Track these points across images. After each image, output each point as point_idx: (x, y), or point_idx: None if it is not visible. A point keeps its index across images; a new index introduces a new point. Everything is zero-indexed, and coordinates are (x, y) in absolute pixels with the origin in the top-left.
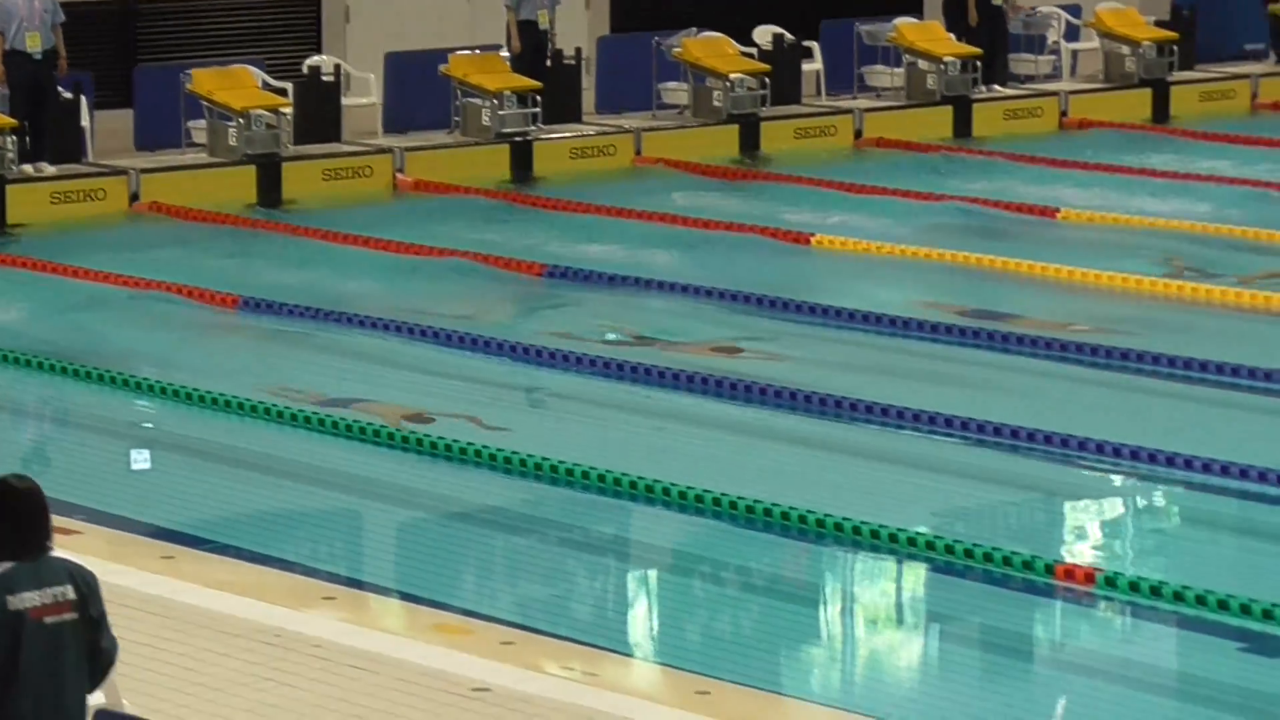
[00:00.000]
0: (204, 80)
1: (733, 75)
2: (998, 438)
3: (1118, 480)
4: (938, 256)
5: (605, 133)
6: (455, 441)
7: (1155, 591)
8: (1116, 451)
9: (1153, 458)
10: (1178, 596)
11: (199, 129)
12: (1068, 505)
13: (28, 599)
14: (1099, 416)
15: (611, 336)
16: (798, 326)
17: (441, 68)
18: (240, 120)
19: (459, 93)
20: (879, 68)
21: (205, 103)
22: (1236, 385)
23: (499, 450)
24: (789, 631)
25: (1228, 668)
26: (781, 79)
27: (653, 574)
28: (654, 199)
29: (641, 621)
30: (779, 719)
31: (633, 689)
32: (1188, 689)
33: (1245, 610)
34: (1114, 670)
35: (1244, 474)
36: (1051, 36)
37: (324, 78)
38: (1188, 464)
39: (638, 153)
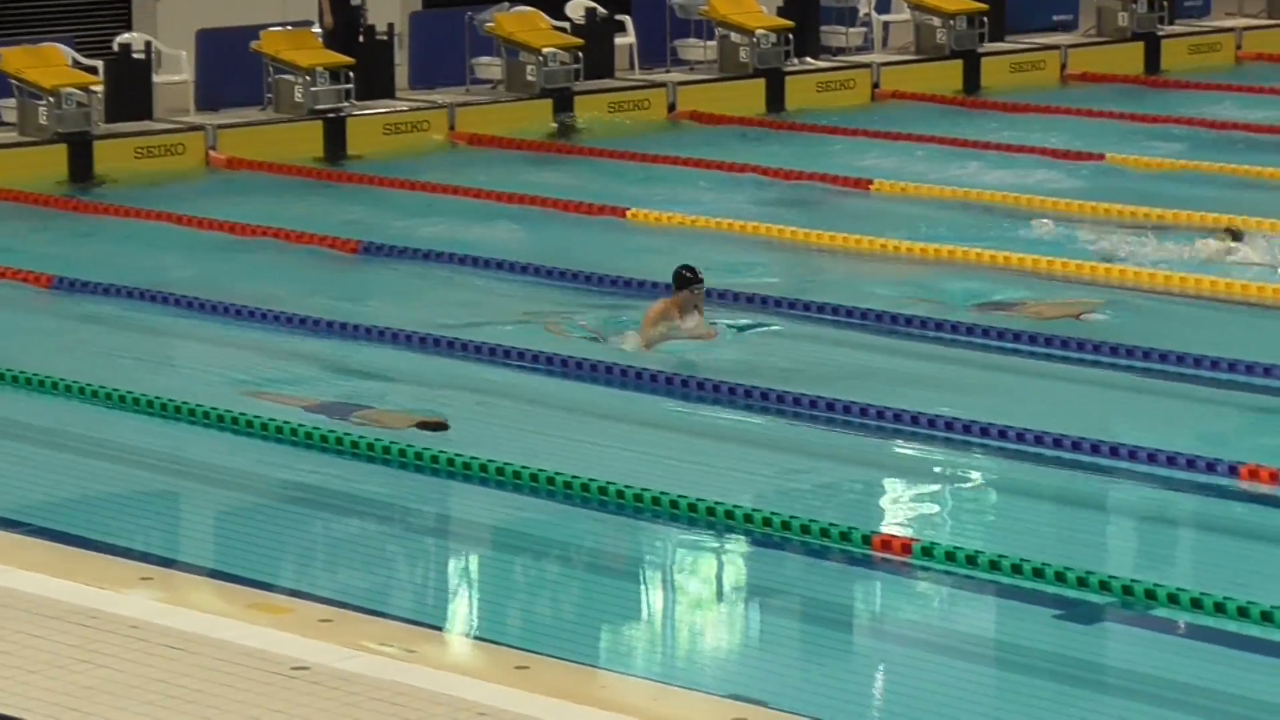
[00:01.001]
0: (13, 59)
1: (546, 49)
2: (813, 410)
3: (933, 451)
4: (753, 230)
5: (419, 108)
6: (272, 420)
7: (971, 561)
8: (931, 423)
9: (967, 428)
10: (994, 565)
11: (9, 108)
12: (884, 478)
13: None
14: (912, 389)
15: (427, 312)
16: (614, 299)
17: (253, 44)
18: (50, 99)
19: (271, 69)
20: (692, 41)
21: (14, 81)
22: (1050, 355)
23: (315, 429)
24: (608, 607)
25: (1044, 635)
26: (594, 53)
27: (472, 551)
28: (468, 174)
29: (461, 598)
30: (597, 693)
31: (452, 665)
32: (1005, 656)
33: (1060, 578)
34: (932, 639)
35: (1057, 443)
36: (863, 9)
37: (134, 55)
38: (1001, 434)
39: (451, 128)
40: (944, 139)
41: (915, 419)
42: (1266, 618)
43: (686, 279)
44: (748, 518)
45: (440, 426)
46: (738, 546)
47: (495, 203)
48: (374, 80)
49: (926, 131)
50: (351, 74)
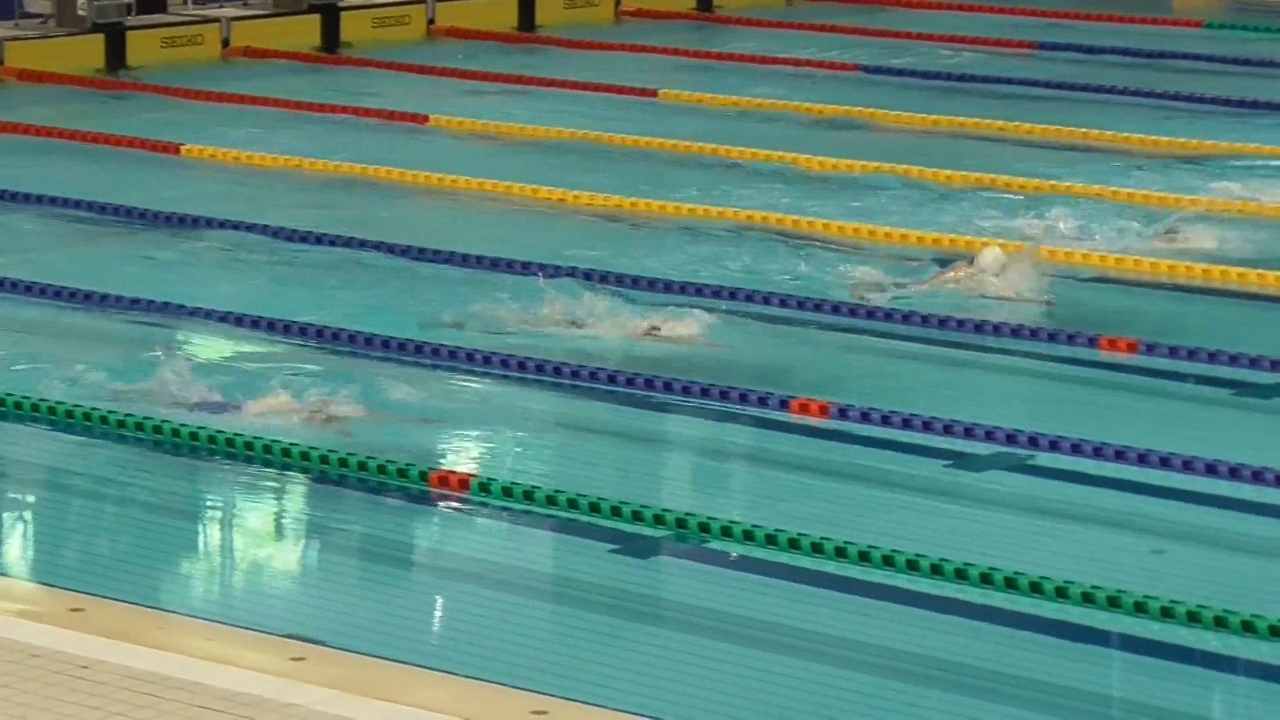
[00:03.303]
0: None
1: None
2: (368, 349)
3: (493, 387)
4: (321, 167)
5: None
6: None
7: (529, 496)
8: (487, 359)
9: (522, 365)
10: (550, 500)
11: None
12: (444, 414)
13: None
14: (468, 327)
15: None
16: (171, 239)
17: None
18: None
19: None
20: None
21: None
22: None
23: None
24: (166, 547)
25: (600, 568)
26: None
27: (22, 491)
28: (20, 111)
29: (11, 540)
30: (154, 633)
31: (5, 608)
32: (563, 590)
33: (616, 512)
34: (491, 575)
35: (611, 379)
36: None
37: None
38: (556, 370)
39: (0, 63)
40: (503, 75)
41: (471, 355)
42: (817, 549)
43: None
44: (304, 455)
45: None
46: (297, 485)
47: (47, 139)
48: None
49: (483, 69)
50: None
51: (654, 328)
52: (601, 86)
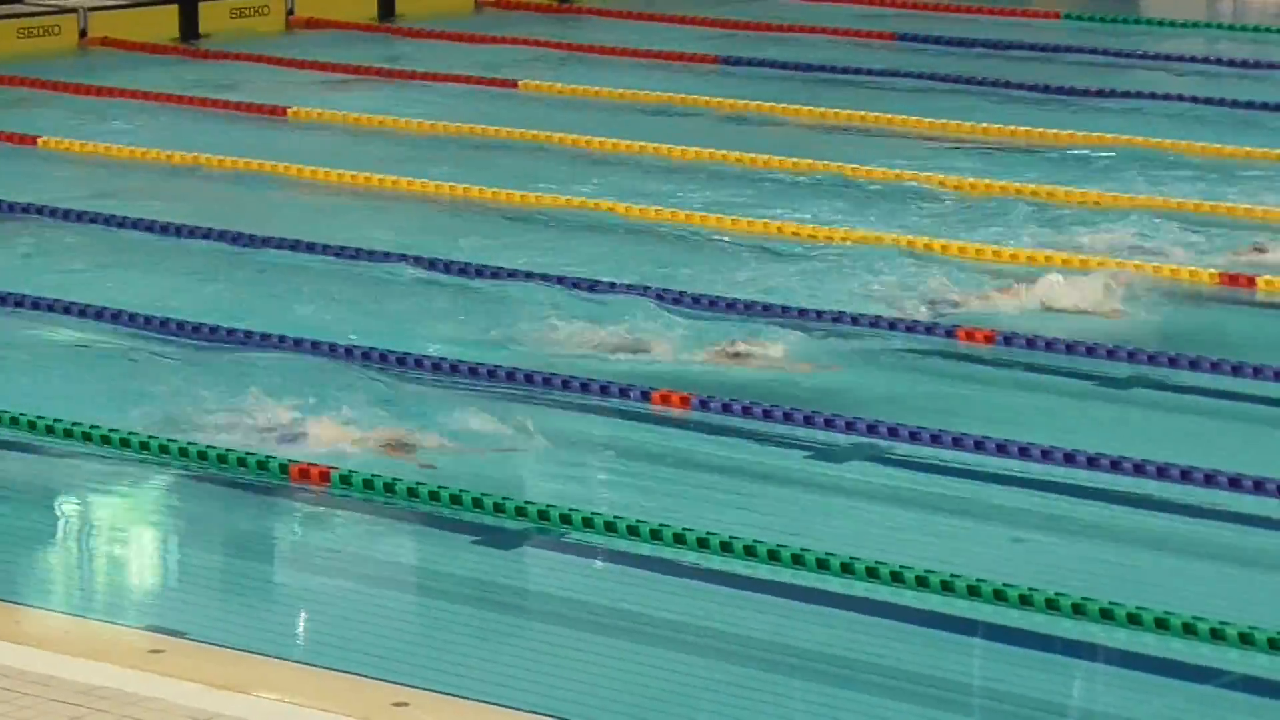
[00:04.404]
0: None
1: None
2: (214, 339)
3: (371, 383)
4: (179, 160)
5: None
6: None
7: (390, 489)
8: (349, 351)
9: (397, 359)
10: (411, 493)
11: None
12: (309, 408)
13: None
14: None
15: None
16: (26, 231)
17: None
18: None
19: None
20: None
21: None
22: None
23: None
24: (20, 540)
25: (464, 560)
26: None
27: None
28: None
29: None
30: (9, 626)
31: None
32: (424, 583)
33: (478, 504)
34: (353, 569)
35: (474, 371)
36: None
37: None
38: (420, 363)
39: None
40: (363, 67)
41: (316, 345)
42: (679, 540)
43: None
44: (164, 448)
45: None
46: (156, 478)
47: None
48: None
49: (342, 60)
50: None
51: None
52: (462, 78)
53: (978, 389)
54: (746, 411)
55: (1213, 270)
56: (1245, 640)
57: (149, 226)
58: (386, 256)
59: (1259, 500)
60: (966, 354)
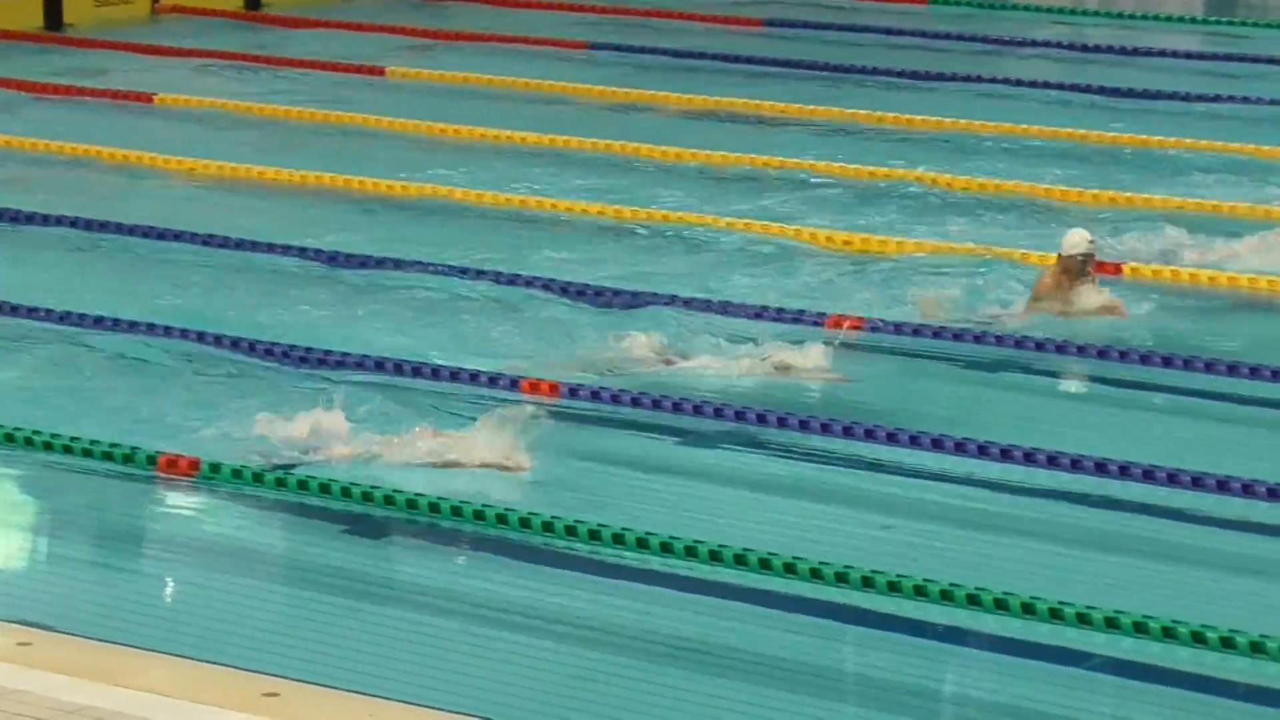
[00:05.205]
0: None
1: None
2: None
3: (231, 369)
4: (44, 147)
5: None
6: None
7: (258, 479)
8: (219, 339)
9: (253, 346)
10: (280, 483)
11: None
12: (171, 400)
13: None
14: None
15: None
16: None
17: None
18: None
19: None
20: None
21: None
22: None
23: None
24: None
25: (333, 550)
26: None
27: None
28: None
29: None
30: None
31: None
32: (293, 573)
33: (346, 494)
34: (221, 558)
35: (322, 361)
36: None
37: None
38: (285, 354)
39: None
40: (229, 54)
41: (201, 336)
42: (548, 528)
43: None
44: (29, 440)
45: None
46: (18, 467)
47: None
48: None
49: (208, 47)
50: None
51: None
52: (329, 64)
53: (846, 375)
54: (615, 400)
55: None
56: (1110, 624)
57: (13, 217)
58: (254, 246)
59: (1099, 481)
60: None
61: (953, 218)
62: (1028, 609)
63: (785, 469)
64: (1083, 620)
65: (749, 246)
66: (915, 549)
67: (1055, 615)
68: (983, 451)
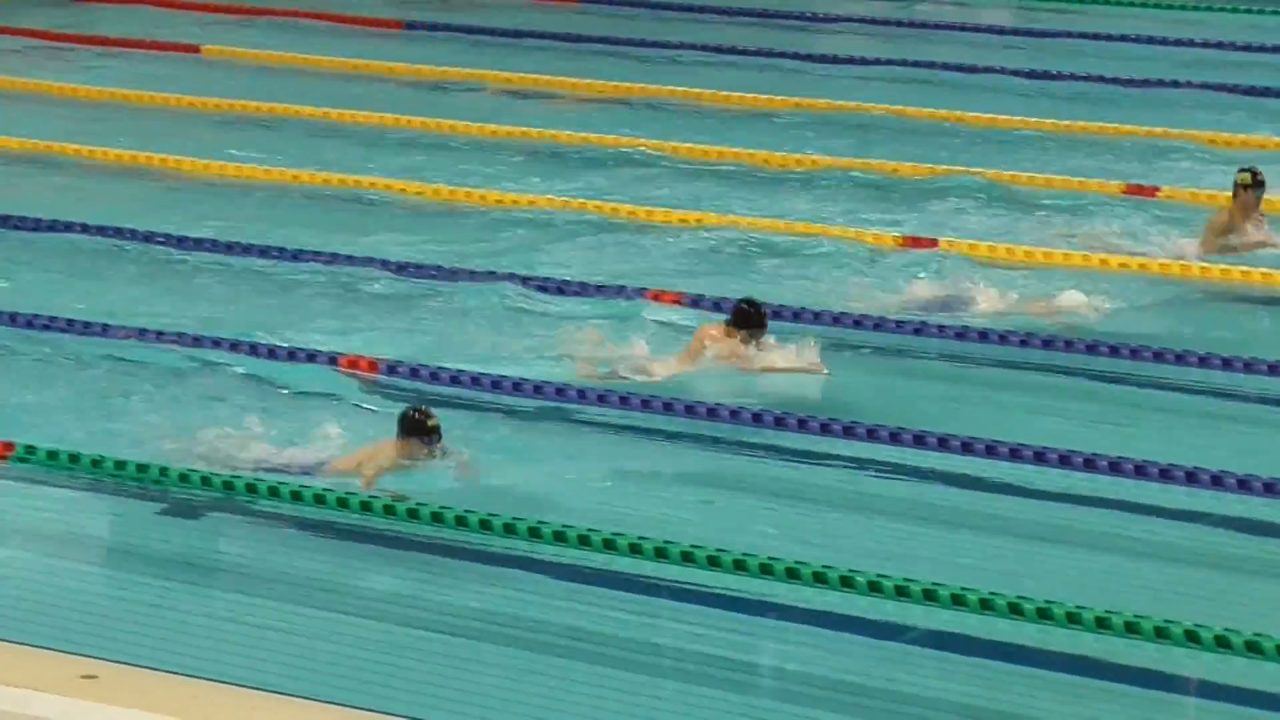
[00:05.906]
0: None
1: None
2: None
3: (45, 352)
4: None
5: None
6: None
7: (74, 460)
8: (13, 318)
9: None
10: (96, 465)
11: None
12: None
13: None
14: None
15: None
16: None
17: None
18: None
19: None
20: None
21: None
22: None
23: None
24: None
25: (150, 532)
26: None
27: None
28: None
29: None
30: None
31: None
32: (111, 555)
33: (164, 475)
34: (37, 541)
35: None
36: None
37: None
38: (88, 326)
39: None
40: (41, 32)
41: (31, 321)
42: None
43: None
44: None
45: None
46: None
47: None
48: None
49: (20, 25)
50: None
51: None
52: (144, 43)
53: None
54: (434, 377)
55: (896, 235)
56: (929, 596)
57: None
58: (68, 227)
59: (944, 456)
60: (663, 320)
61: (784, 197)
62: (846, 582)
63: (604, 441)
64: (901, 593)
65: (570, 223)
66: (734, 523)
67: (874, 588)
68: (803, 426)
